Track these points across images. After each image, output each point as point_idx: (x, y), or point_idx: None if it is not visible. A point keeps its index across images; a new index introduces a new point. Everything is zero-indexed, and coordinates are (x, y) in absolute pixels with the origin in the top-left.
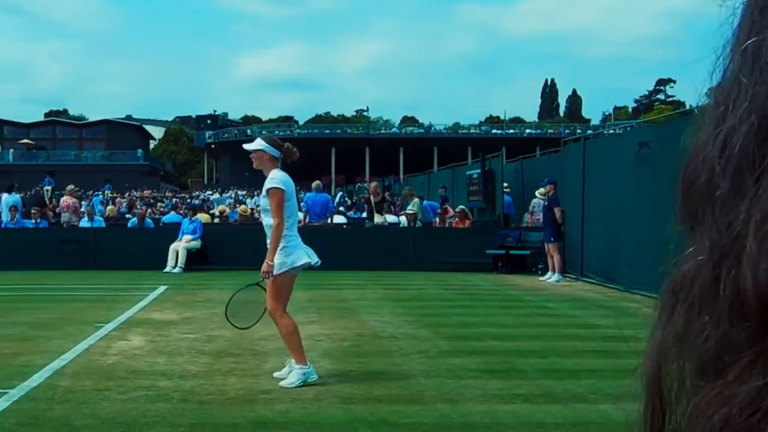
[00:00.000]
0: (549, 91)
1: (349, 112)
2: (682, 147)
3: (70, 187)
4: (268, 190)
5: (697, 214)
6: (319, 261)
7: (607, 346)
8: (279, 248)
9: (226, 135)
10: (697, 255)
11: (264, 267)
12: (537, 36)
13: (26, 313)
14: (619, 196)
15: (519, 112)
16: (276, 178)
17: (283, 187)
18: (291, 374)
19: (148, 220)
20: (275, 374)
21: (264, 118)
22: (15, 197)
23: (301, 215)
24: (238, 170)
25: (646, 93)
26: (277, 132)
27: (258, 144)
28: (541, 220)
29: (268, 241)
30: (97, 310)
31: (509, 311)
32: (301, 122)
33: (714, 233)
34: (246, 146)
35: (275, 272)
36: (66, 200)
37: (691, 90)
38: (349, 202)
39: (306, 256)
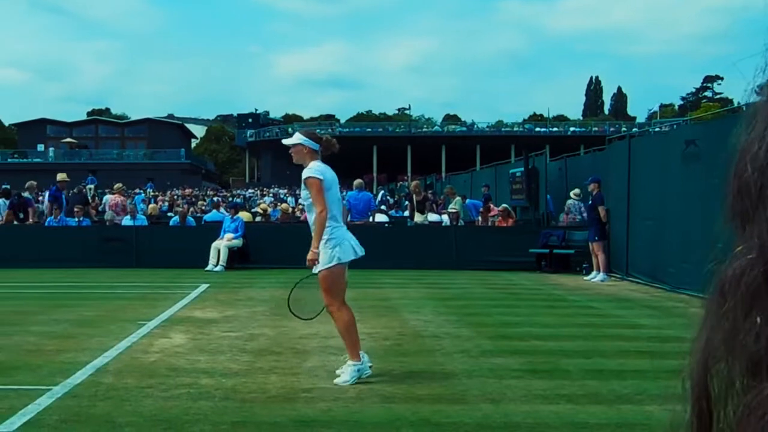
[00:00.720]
0: (594, 89)
1: (391, 111)
2: (730, 145)
3: (118, 185)
4: (305, 181)
5: (747, 213)
6: (363, 252)
7: (653, 346)
8: (324, 241)
9: (267, 133)
10: (746, 253)
11: (309, 255)
12: (581, 33)
13: (69, 311)
14: (665, 195)
15: (563, 109)
16: (311, 167)
17: (320, 176)
18: (344, 371)
19: (190, 219)
20: (337, 372)
21: (305, 116)
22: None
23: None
24: (279, 169)
25: (693, 90)
26: (318, 130)
27: (297, 138)
28: (576, 220)
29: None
30: (139, 308)
31: (553, 311)
32: (342, 121)
33: (765, 232)
34: (285, 141)
35: (323, 267)
36: (114, 198)
37: (740, 87)
38: (391, 200)
39: (352, 249)
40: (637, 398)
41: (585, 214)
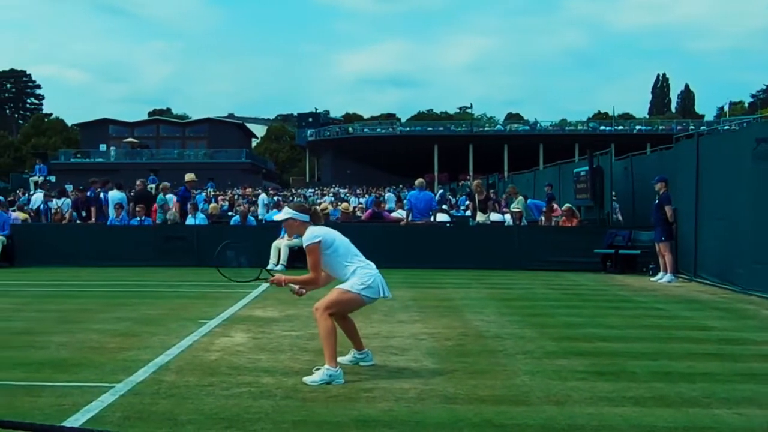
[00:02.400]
0: (660, 86)
1: (452, 109)
2: None
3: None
4: (305, 247)
5: None
6: (391, 296)
7: (723, 349)
8: (360, 270)
9: (328, 133)
10: None
11: (278, 277)
12: (646, 30)
13: (131, 309)
14: (735, 194)
15: (628, 108)
16: (307, 235)
17: (316, 239)
18: (318, 372)
19: (251, 218)
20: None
21: (365, 115)
22: (121, 195)
23: (404, 213)
24: (339, 168)
25: (764, 87)
26: (379, 129)
27: (285, 213)
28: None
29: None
30: (200, 306)
31: (618, 312)
32: (403, 120)
33: None
34: (275, 217)
35: (347, 287)
36: (172, 198)
37: None
38: (453, 200)
39: (379, 290)
40: (705, 401)
41: (620, 215)
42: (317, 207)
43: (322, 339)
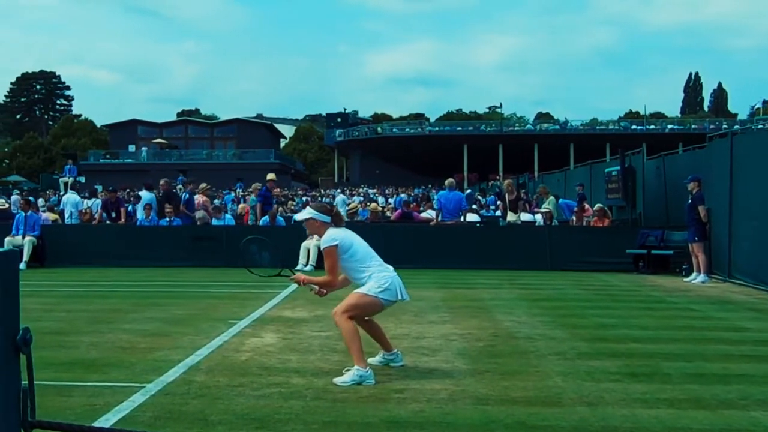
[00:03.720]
0: (693, 85)
1: (482, 109)
2: None
3: (203, 185)
4: (323, 251)
5: None
6: (409, 298)
7: (759, 350)
8: (377, 274)
9: (356, 133)
10: None
11: (298, 276)
12: (678, 28)
13: (161, 309)
14: None
15: (660, 107)
16: (324, 238)
17: (334, 243)
18: (348, 373)
19: (280, 218)
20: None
21: (394, 115)
22: (150, 196)
23: (433, 213)
24: (368, 168)
25: None
26: (408, 129)
27: (307, 213)
28: None
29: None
30: (230, 307)
31: (651, 313)
32: (432, 119)
33: None
34: (296, 216)
35: (365, 291)
36: (198, 198)
37: None
38: (483, 200)
39: (396, 293)
40: (741, 403)
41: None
42: (339, 211)
43: (346, 342)
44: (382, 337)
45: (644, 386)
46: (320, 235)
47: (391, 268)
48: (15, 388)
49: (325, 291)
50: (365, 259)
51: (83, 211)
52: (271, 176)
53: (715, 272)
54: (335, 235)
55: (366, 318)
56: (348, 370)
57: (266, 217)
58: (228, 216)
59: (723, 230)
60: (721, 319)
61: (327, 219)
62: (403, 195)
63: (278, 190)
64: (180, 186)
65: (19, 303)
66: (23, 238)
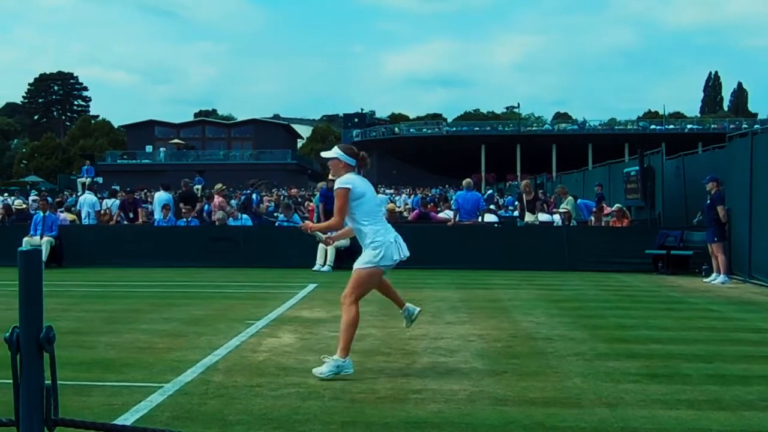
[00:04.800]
0: (712, 85)
1: (499, 109)
2: None
3: (218, 186)
4: (334, 191)
5: None
6: (408, 254)
7: None
8: (369, 242)
9: (374, 133)
10: None
11: (306, 224)
12: (697, 27)
13: (179, 309)
14: None
15: (679, 106)
16: (342, 178)
17: (348, 185)
18: (327, 363)
19: (296, 217)
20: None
21: (411, 116)
22: (167, 196)
23: (451, 214)
24: (385, 168)
25: None
26: (425, 130)
27: (334, 152)
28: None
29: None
30: (248, 307)
31: (671, 313)
32: (449, 120)
33: None
34: (323, 153)
35: (361, 265)
36: (214, 198)
37: None
38: (501, 201)
39: (394, 254)
40: (762, 405)
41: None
42: (365, 154)
43: (342, 328)
44: (394, 296)
45: (664, 387)
46: (339, 177)
47: (391, 228)
48: (38, 386)
49: (332, 239)
50: (370, 214)
51: (103, 211)
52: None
53: (735, 273)
54: (352, 180)
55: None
56: (326, 360)
57: (282, 216)
58: (245, 216)
59: (743, 230)
60: (741, 319)
61: (352, 162)
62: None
63: (295, 190)
64: (198, 187)
65: (43, 302)
66: (41, 238)
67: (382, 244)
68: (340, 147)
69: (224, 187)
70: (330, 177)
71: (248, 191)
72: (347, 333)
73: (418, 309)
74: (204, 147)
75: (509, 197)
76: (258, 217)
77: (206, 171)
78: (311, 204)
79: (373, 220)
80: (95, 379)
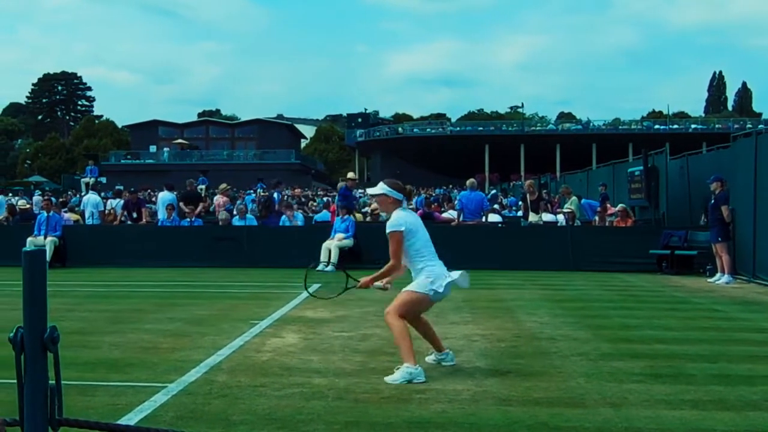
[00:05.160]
0: (716, 85)
1: (503, 109)
2: None
3: (223, 185)
4: (387, 234)
5: None
6: (466, 283)
7: None
8: (421, 271)
9: (377, 133)
10: None
11: (364, 281)
12: (701, 27)
13: (182, 309)
14: None
15: (683, 106)
16: (392, 221)
17: (401, 228)
18: (398, 371)
19: (299, 215)
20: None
21: (415, 115)
22: (171, 196)
23: (455, 213)
24: (389, 168)
25: None
26: (429, 130)
27: (381, 188)
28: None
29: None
30: (251, 307)
31: (675, 313)
32: (453, 119)
33: None
34: (369, 191)
35: (414, 288)
36: (218, 199)
37: None
38: (506, 201)
39: (445, 289)
40: (766, 405)
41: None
42: (411, 188)
43: (396, 340)
44: (433, 337)
45: (668, 387)
46: (388, 212)
47: (441, 262)
48: (42, 386)
49: (389, 285)
50: (422, 250)
51: (108, 211)
52: (351, 175)
53: (739, 273)
54: (403, 220)
55: (419, 317)
56: (398, 368)
57: (284, 217)
58: (250, 216)
59: (747, 231)
60: (746, 319)
61: (400, 197)
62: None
63: (299, 190)
64: (202, 187)
65: (47, 302)
66: (45, 238)
67: (434, 275)
68: (387, 183)
69: (229, 187)
70: (378, 212)
71: (271, 191)
72: (403, 341)
73: (454, 362)
74: (208, 147)
75: (512, 197)
76: (278, 216)
77: (210, 171)
78: (333, 204)
79: (426, 256)
80: (99, 379)
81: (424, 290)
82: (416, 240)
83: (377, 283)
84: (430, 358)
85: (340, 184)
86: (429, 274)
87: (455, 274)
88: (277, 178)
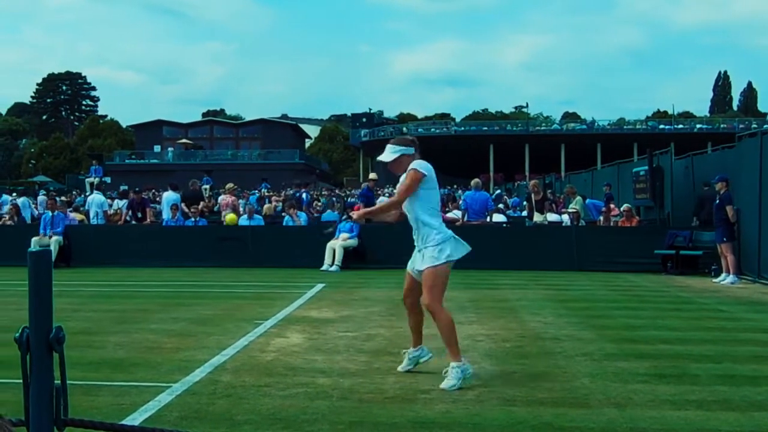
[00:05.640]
0: (721, 84)
1: (508, 109)
2: None
3: (229, 185)
4: (408, 171)
5: None
6: (469, 248)
7: None
8: (429, 241)
9: (382, 133)
10: None
11: (356, 213)
12: (707, 26)
13: (187, 309)
14: None
15: (689, 106)
16: (418, 162)
17: (425, 172)
18: (449, 374)
19: (302, 214)
20: (443, 375)
21: (420, 115)
22: (176, 196)
23: (459, 214)
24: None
25: None
26: (433, 129)
27: (393, 152)
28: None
29: (415, 236)
30: (256, 307)
31: (680, 314)
32: (457, 119)
33: None
34: (381, 158)
35: (430, 265)
36: (225, 198)
37: None
38: (509, 201)
39: (456, 249)
40: None
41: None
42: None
43: (443, 335)
44: (419, 331)
45: (673, 387)
46: (404, 170)
47: (445, 227)
48: (48, 386)
49: (360, 216)
50: (435, 209)
51: (115, 211)
52: (373, 176)
53: (744, 273)
54: (428, 167)
55: (418, 310)
56: (447, 372)
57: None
58: (256, 216)
59: (753, 231)
60: (751, 320)
61: (412, 150)
62: None
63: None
64: (206, 186)
65: (52, 302)
66: (50, 237)
67: (443, 240)
68: (396, 142)
69: (236, 186)
70: (397, 174)
71: (299, 191)
72: (451, 337)
73: (431, 356)
74: (212, 147)
75: (515, 198)
76: (310, 215)
77: (214, 171)
78: (358, 205)
79: (437, 216)
80: (104, 379)
81: (442, 261)
82: (433, 195)
83: (371, 217)
84: (402, 367)
85: (364, 184)
86: (437, 243)
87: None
88: (305, 180)
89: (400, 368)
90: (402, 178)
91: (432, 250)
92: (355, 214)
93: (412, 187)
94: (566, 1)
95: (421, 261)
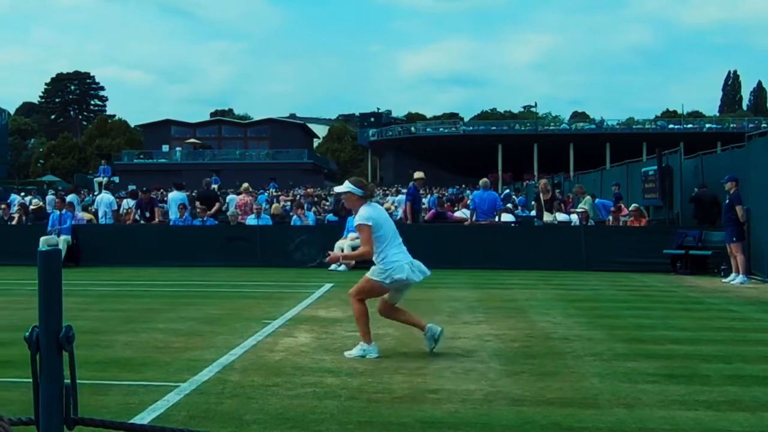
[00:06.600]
0: (731, 84)
1: (516, 108)
2: None
3: (245, 185)
4: (356, 227)
5: None
6: (421, 278)
7: None
8: (382, 260)
9: (390, 133)
10: None
11: (335, 255)
12: (717, 25)
13: (195, 309)
14: None
15: (698, 106)
16: (360, 214)
17: (368, 222)
18: (355, 348)
19: (310, 214)
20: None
21: (428, 115)
22: (182, 195)
23: (468, 213)
24: (401, 168)
25: None
26: (442, 129)
27: (346, 186)
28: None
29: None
30: (264, 306)
31: (689, 314)
32: (466, 119)
33: None
34: (336, 188)
35: (373, 276)
36: (242, 198)
37: None
38: (518, 200)
39: (404, 274)
40: None
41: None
42: (372, 185)
43: (356, 321)
44: (413, 320)
45: (682, 388)
46: (354, 208)
47: (404, 250)
48: (58, 385)
49: (353, 263)
50: (383, 242)
51: (127, 210)
52: (418, 174)
53: (754, 273)
54: (368, 214)
55: (394, 308)
56: (356, 346)
57: (296, 217)
58: (264, 215)
59: (763, 230)
60: (761, 320)
61: (360, 192)
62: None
63: (311, 189)
64: (215, 186)
65: (62, 301)
66: (58, 236)
67: (396, 263)
68: (351, 181)
69: (250, 188)
70: (347, 207)
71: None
72: (360, 322)
73: (440, 328)
74: (220, 146)
75: (521, 197)
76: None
77: (222, 171)
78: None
79: (390, 245)
80: (112, 378)
81: (378, 278)
82: (382, 234)
83: (351, 262)
84: (428, 348)
85: (410, 184)
86: (385, 264)
87: (417, 265)
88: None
89: (428, 350)
90: (354, 222)
91: (380, 269)
92: (329, 258)
93: (369, 239)
94: (575, 0)
95: (371, 269)
